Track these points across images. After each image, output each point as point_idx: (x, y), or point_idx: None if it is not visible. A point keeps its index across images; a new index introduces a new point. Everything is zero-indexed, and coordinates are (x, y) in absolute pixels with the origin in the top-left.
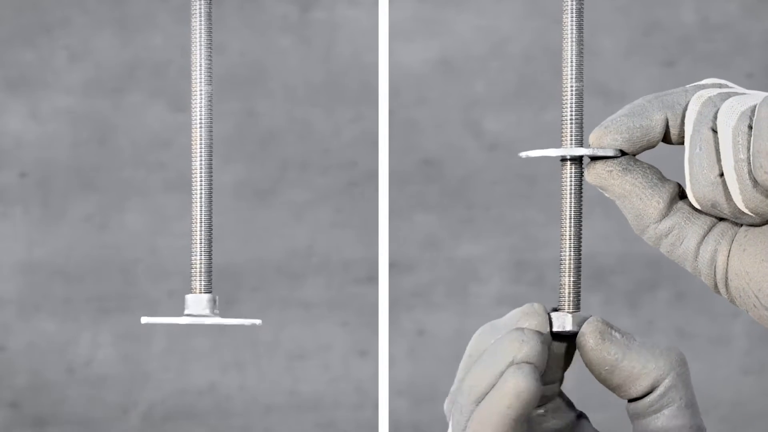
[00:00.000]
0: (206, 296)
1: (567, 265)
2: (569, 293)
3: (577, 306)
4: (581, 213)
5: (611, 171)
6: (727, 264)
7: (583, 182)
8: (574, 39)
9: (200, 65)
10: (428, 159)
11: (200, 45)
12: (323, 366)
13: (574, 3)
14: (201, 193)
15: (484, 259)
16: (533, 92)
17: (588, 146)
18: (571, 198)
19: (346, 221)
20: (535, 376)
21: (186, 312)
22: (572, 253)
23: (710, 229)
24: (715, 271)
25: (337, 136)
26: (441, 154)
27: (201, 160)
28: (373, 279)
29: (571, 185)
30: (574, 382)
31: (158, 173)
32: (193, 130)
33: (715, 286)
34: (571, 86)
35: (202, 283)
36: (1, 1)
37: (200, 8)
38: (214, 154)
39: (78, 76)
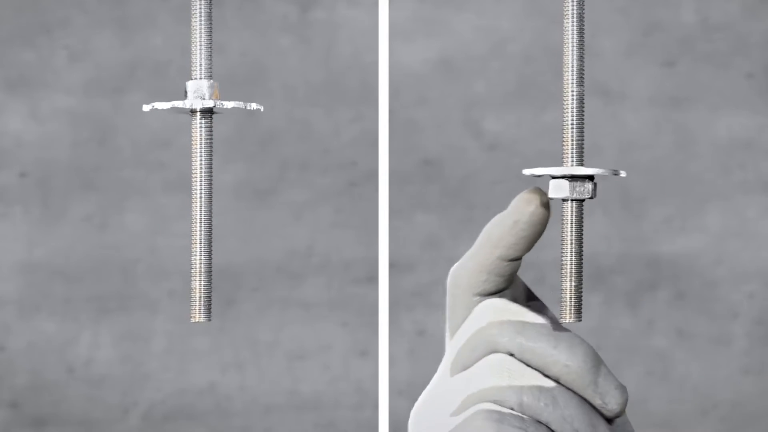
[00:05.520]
0: (207, 82)
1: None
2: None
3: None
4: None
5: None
6: None
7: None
8: (575, 43)
9: (200, 65)
10: (428, 159)
11: (200, 45)
12: (323, 366)
13: (575, 7)
14: (201, 193)
15: None
16: (533, 92)
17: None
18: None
19: (346, 221)
20: (546, 202)
21: (186, 98)
22: (574, 257)
23: None
24: None
25: (337, 136)
26: (441, 154)
27: (201, 160)
28: (373, 279)
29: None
30: None
31: (158, 173)
32: (193, 130)
33: None
34: (572, 91)
35: (203, 70)
36: (1, 1)
37: (200, 8)
38: (214, 154)
39: (78, 76)
